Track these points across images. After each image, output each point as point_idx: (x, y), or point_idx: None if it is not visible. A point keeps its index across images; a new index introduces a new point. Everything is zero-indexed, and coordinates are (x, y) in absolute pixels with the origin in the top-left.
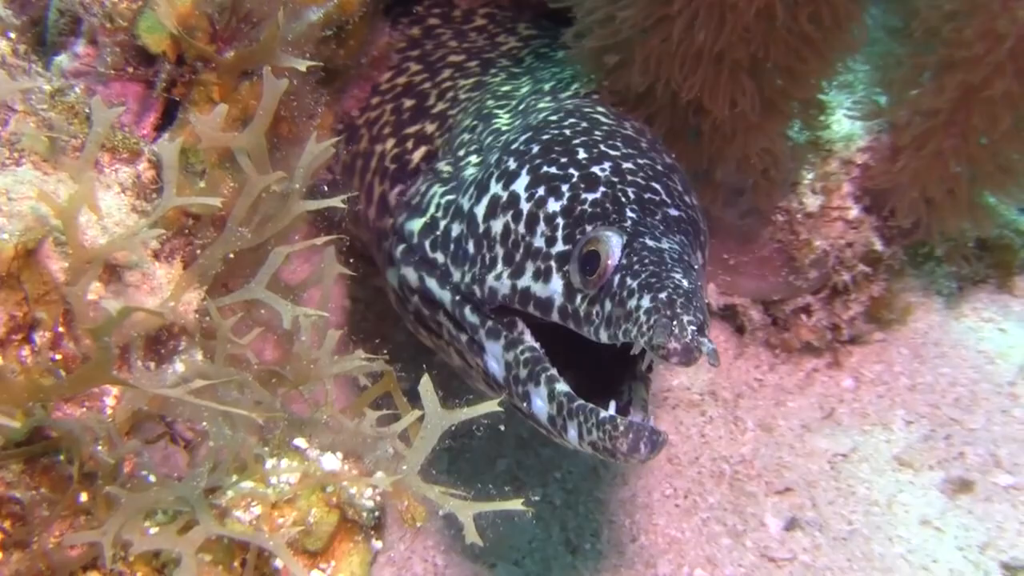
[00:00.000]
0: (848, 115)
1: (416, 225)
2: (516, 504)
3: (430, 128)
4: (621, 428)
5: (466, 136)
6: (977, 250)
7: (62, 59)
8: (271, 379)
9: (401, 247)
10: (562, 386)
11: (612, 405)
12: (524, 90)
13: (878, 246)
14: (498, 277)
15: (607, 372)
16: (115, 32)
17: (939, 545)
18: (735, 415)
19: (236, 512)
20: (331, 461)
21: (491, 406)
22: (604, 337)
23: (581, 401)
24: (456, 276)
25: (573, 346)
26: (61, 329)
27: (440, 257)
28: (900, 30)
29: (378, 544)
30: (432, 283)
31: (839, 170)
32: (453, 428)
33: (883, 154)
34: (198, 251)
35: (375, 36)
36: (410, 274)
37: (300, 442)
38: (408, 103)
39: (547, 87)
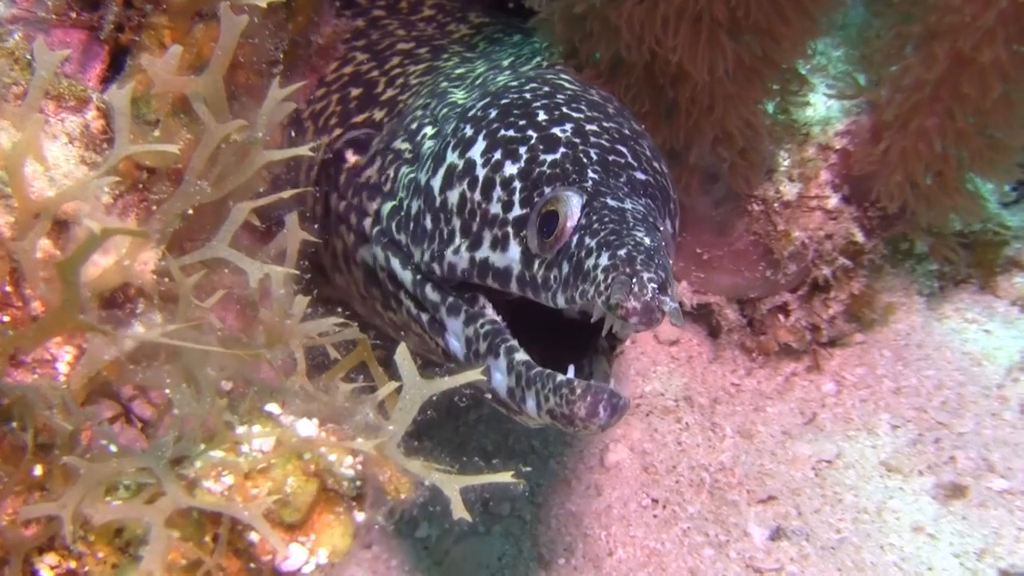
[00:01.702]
0: (827, 94)
1: (387, 208)
2: (505, 477)
3: (379, 115)
4: (579, 391)
5: (419, 113)
6: (960, 247)
7: None
8: (236, 342)
9: (377, 228)
10: (521, 355)
11: (571, 369)
12: (480, 70)
13: (859, 237)
14: (456, 251)
15: (574, 351)
16: None
17: (934, 552)
18: (712, 421)
19: (206, 483)
20: (307, 427)
21: (474, 375)
22: (561, 301)
23: (539, 368)
24: (416, 255)
25: (541, 328)
26: (8, 289)
27: (403, 238)
28: (874, 3)
29: (360, 516)
30: (395, 263)
31: (816, 156)
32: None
33: (863, 137)
34: (154, 207)
35: (322, 16)
36: (379, 253)
37: (272, 407)
38: (355, 92)
39: (505, 63)
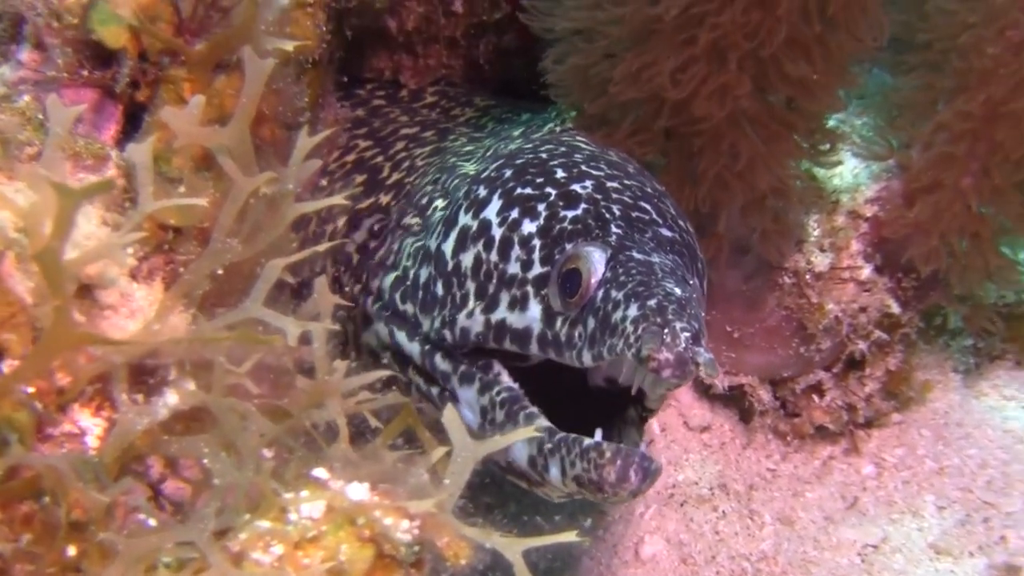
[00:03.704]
0: (858, 155)
1: (388, 280)
2: (570, 536)
3: (385, 199)
4: (608, 454)
5: (429, 188)
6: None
7: (3, 70)
8: (274, 412)
9: (378, 304)
10: (543, 422)
11: (598, 433)
12: (489, 143)
13: (895, 309)
14: (470, 314)
15: (600, 424)
16: (64, 30)
17: None
18: (750, 509)
19: (254, 554)
20: (359, 491)
21: (527, 432)
22: (588, 358)
23: (563, 433)
24: (425, 325)
25: (561, 400)
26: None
27: (409, 308)
28: (901, 64)
29: None
30: (401, 336)
31: (847, 224)
32: None
33: (895, 203)
34: (181, 268)
35: (327, 99)
36: (381, 329)
37: (320, 472)
38: (360, 178)
39: (516, 133)
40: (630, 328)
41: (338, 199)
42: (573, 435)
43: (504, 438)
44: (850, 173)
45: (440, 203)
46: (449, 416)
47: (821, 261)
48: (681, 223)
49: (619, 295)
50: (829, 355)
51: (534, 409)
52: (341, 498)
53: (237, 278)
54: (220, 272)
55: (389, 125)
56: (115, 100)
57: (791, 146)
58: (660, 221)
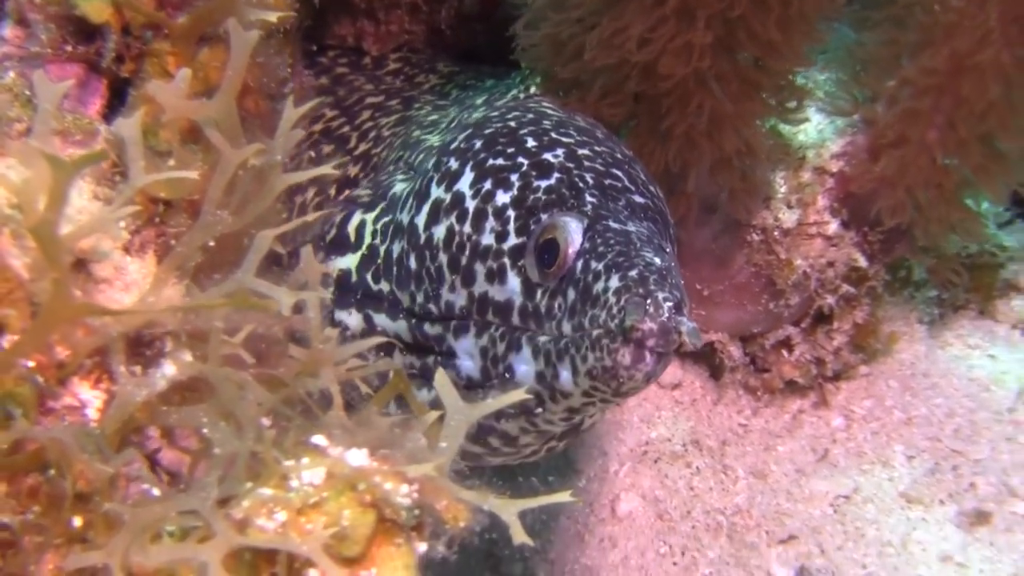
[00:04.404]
0: (822, 111)
1: (352, 261)
2: (564, 496)
3: (353, 170)
4: (620, 338)
5: (391, 168)
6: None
7: None
8: (269, 381)
9: (328, 291)
10: (545, 338)
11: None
12: (453, 114)
13: (861, 262)
14: (452, 288)
15: None
16: (46, 6)
17: None
18: (723, 464)
19: (258, 521)
20: (358, 456)
21: (519, 395)
22: (568, 328)
23: (571, 335)
24: (405, 300)
25: None
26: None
27: (384, 286)
28: (865, 19)
29: (422, 546)
30: (381, 318)
31: (813, 180)
32: None
33: (860, 157)
34: (172, 241)
35: (295, 67)
36: (349, 318)
37: (319, 439)
38: (327, 148)
39: (479, 101)
40: (612, 299)
41: (327, 169)
42: (580, 332)
43: (496, 401)
44: (815, 129)
45: (400, 176)
46: (440, 380)
47: (788, 217)
48: (652, 188)
49: (599, 266)
50: (798, 310)
51: (530, 331)
52: (341, 464)
53: (228, 249)
54: (211, 244)
55: (354, 94)
56: (99, 74)
57: (759, 105)
58: (632, 188)
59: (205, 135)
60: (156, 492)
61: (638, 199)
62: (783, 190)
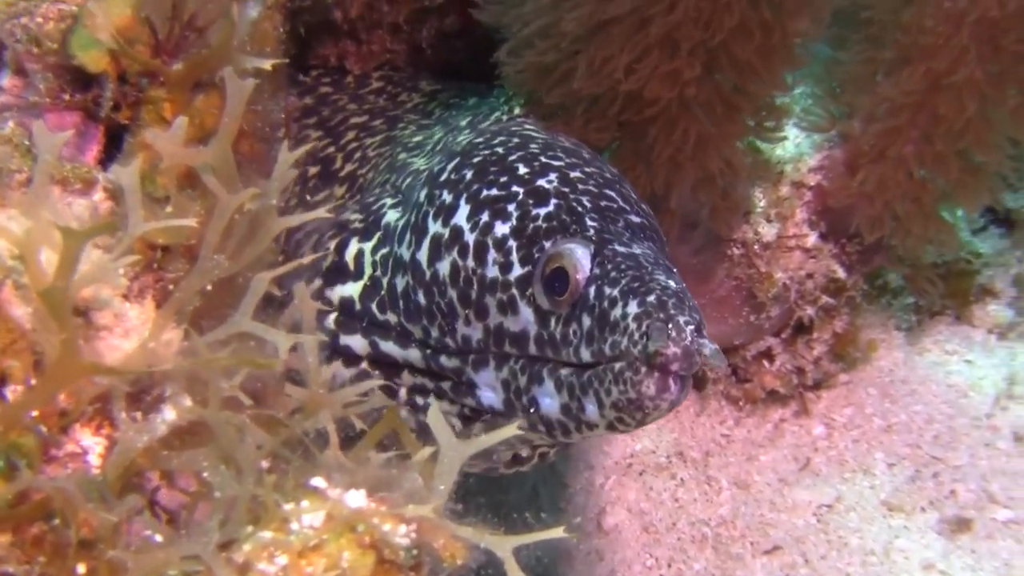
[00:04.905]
0: (799, 126)
1: (355, 290)
2: (557, 532)
3: (339, 191)
4: (643, 369)
5: (378, 191)
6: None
7: None
8: (267, 422)
9: (332, 316)
10: (567, 369)
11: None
12: (438, 135)
13: (840, 274)
14: (467, 322)
15: None
16: (44, 56)
17: None
18: (707, 475)
19: (259, 565)
20: (356, 498)
21: (510, 430)
22: (586, 355)
23: (591, 369)
24: (417, 333)
25: None
26: (34, 382)
27: (392, 318)
28: (842, 38)
29: None
30: (389, 346)
31: (792, 194)
32: None
33: (837, 171)
34: (171, 286)
35: (282, 95)
36: (355, 342)
37: (318, 481)
38: (312, 170)
39: (463, 123)
40: (633, 325)
41: (322, 212)
42: (601, 365)
43: (488, 437)
44: (792, 144)
45: (389, 201)
46: (433, 416)
47: (768, 231)
48: (644, 207)
49: (614, 292)
50: (778, 322)
51: (550, 363)
52: (340, 506)
53: (225, 292)
54: (209, 288)
55: (338, 114)
56: (96, 122)
57: (740, 127)
58: (627, 208)
59: (202, 181)
60: (159, 538)
61: (634, 219)
62: (762, 204)
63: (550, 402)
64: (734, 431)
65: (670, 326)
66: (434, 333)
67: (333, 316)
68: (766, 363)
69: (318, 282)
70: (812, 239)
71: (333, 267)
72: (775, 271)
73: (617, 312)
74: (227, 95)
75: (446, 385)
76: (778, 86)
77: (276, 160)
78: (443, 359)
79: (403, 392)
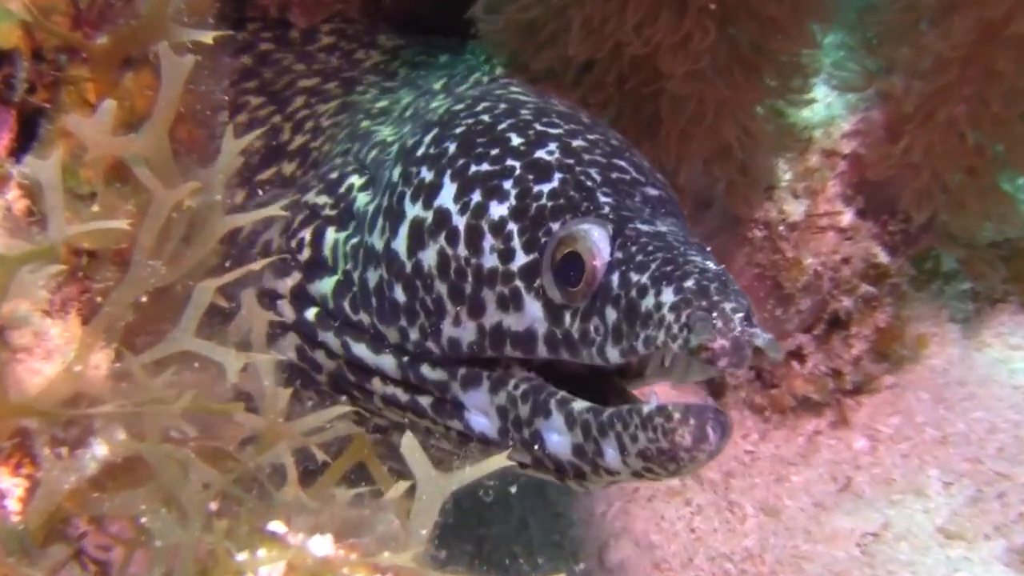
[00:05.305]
0: (830, 84)
1: (328, 286)
2: None
3: (289, 168)
4: (677, 416)
5: (338, 161)
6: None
7: None
8: (214, 455)
9: (312, 311)
10: (580, 403)
11: (654, 398)
12: (407, 100)
13: (882, 258)
14: (457, 322)
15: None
16: None
17: None
18: (728, 500)
19: None
20: (322, 545)
21: (500, 461)
22: (615, 355)
23: (613, 408)
24: (392, 336)
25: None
26: None
27: (364, 318)
28: None
29: None
30: (361, 349)
31: (822, 164)
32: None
33: (876, 136)
34: (99, 298)
35: (224, 58)
36: (330, 340)
37: (276, 526)
38: (256, 144)
39: (437, 86)
40: (670, 316)
41: (277, 210)
42: (626, 406)
43: (474, 470)
44: (823, 106)
45: (356, 180)
46: (408, 446)
47: (795, 209)
48: (660, 176)
49: (643, 278)
50: (809, 316)
51: (564, 393)
52: (304, 555)
53: (163, 304)
54: (144, 299)
55: (283, 76)
56: (8, 105)
57: (759, 89)
58: (642, 179)
59: (133, 174)
60: None
61: (652, 191)
62: (788, 178)
63: (559, 440)
64: (759, 447)
65: (714, 315)
66: (413, 336)
67: (314, 310)
68: (796, 365)
69: (297, 276)
70: (848, 217)
71: (311, 261)
72: (804, 256)
73: (649, 302)
74: (162, 74)
75: (425, 401)
76: (805, 42)
77: (220, 148)
78: (424, 369)
79: (377, 400)
